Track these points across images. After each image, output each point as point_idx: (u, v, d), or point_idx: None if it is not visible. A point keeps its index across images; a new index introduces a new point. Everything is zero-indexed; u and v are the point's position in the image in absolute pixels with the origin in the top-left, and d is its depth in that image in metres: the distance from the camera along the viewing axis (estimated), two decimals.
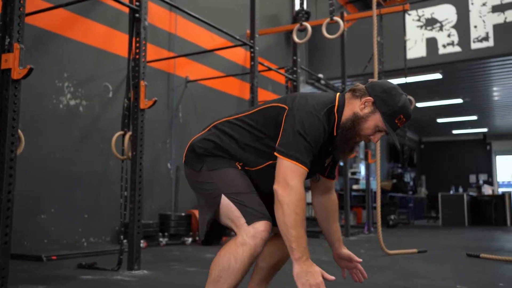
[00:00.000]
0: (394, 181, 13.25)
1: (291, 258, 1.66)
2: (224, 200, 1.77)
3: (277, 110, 1.81)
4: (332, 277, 1.62)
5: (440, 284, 3.19)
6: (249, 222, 1.70)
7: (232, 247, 1.69)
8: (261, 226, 1.69)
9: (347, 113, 1.82)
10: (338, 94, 1.88)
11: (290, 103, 1.79)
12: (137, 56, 3.66)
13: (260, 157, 1.85)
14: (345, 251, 2.03)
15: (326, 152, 1.87)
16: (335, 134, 1.82)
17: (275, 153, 1.73)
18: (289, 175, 1.67)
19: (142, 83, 3.62)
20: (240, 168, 1.85)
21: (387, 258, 4.59)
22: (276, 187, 1.68)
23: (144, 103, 3.59)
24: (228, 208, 1.76)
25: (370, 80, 1.90)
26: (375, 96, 1.79)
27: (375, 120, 1.80)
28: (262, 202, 1.79)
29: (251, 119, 1.87)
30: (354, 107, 1.81)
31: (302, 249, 1.63)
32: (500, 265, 4.17)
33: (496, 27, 7.94)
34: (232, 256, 1.67)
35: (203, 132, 1.96)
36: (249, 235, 1.68)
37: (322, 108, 1.77)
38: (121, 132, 3.67)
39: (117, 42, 5.47)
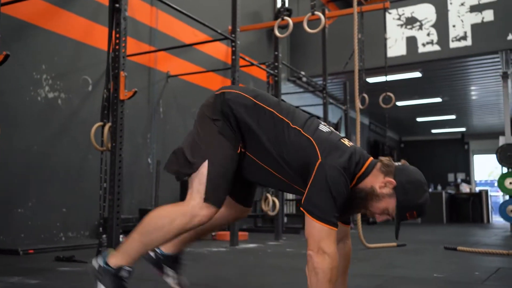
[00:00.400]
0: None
1: None
2: (204, 168, 1.80)
3: (310, 150, 1.75)
4: None
5: (418, 273, 3.23)
6: (205, 200, 1.77)
7: (173, 211, 1.80)
8: (208, 212, 1.78)
9: (366, 182, 1.76)
10: (370, 159, 1.81)
11: (322, 152, 1.72)
12: (117, 47, 3.63)
13: (266, 157, 1.84)
14: None
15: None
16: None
17: (303, 209, 1.69)
18: (325, 241, 1.63)
19: (122, 73, 3.58)
20: (239, 151, 1.87)
21: (367, 251, 4.64)
22: (312, 253, 1.64)
23: (123, 94, 3.56)
24: (201, 177, 1.80)
25: (403, 161, 1.84)
26: (399, 182, 1.72)
27: (388, 204, 1.74)
28: (229, 191, 1.87)
29: (285, 133, 1.82)
30: (376, 181, 1.75)
31: None
32: (476, 257, 4.25)
33: (474, 27, 8.08)
34: (169, 219, 1.78)
35: (245, 92, 1.94)
36: (194, 210, 1.76)
37: (349, 170, 1.72)
38: (100, 123, 3.63)
39: (97, 35, 5.41)
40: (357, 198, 1.76)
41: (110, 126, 3.59)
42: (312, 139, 1.77)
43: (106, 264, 1.83)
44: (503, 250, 4.38)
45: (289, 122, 1.83)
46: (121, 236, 3.55)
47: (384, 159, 1.79)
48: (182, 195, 5.97)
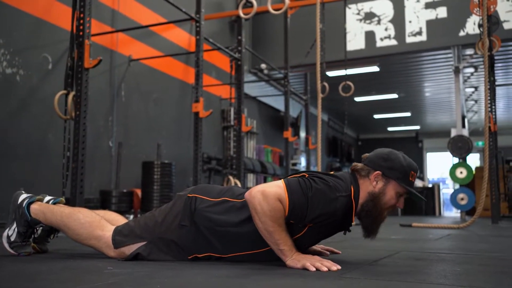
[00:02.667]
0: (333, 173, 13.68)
1: (281, 258, 1.68)
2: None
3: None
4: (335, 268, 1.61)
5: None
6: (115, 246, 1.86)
7: (92, 231, 1.90)
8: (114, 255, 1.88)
9: (363, 195, 1.80)
10: (351, 181, 1.81)
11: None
12: (82, 15, 3.60)
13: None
14: (313, 248, 2.07)
15: (334, 230, 1.89)
16: (353, 221, 1.81)
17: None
18: (270, 188, 1.66)
19: (87, 42, 3.56)
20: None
21: None
22: (254, 193, 1.66)
23: (88, 62, 3.53)
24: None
25: (363, 156, 1.90)
26: (380, 167, 1.79)
27: (393, 189, 1.78)
28: None
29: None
30: (367, 187, 1.80)
31: (289, 247, 1.67)
32: (429, 230, 4.45)
33: (428, 23, 8.43)
34: (87, 234, 1.89)
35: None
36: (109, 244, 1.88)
37: (340, 191, 1.73)
38: (64, 91, 3.59)
39: (57, 13, 5.32)
40: (371, 211, 1.78)
41: (73, 95, 3.56)
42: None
43: (28, 208, 1.97)
44: (453, 225, 4.62)
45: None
46: None
47: (353, 166, 1.87)
48: (143, 179, 5.94)
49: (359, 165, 1.84)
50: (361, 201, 1.78)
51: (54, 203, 2.05)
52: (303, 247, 1.83)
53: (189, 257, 1.83)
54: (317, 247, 2.10)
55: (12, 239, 1.96)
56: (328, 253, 2.07)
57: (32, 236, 2.03)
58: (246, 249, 1.80)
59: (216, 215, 1.80)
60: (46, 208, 1.97)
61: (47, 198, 2.10)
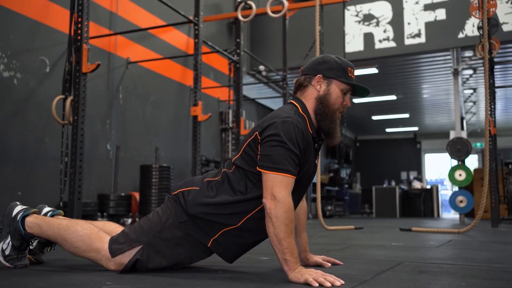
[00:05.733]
0: (331, 174, 13.66)
1: (284, 269, 1.66)
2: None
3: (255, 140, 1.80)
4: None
5: (377, 243, 3.34)
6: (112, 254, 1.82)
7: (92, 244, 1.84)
8: (115, 268, 1.83)
9: (310, 104, 1.88)
10: (291, 100, 1.94)
11: (258, 129, 1.78)
12: (80, 19, 3.56)
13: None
14: (314, 259, 2.05)
15: (315, 151, 1.90)
16: (311, 132, 1.83)
17: (258, 169, 1.73)
18: (276, 187, 1.67)
19: (85, 46, 3.53)
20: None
21: (327, 232, 4.74)
22: (265, 200, 1.68)
23: (86, 67, 3.50)
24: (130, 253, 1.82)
25: (300, 69, 1.98)
26: (319, 71, 1.88)
27: (336, 87, 1.88)
28: None
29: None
30: (312, 94, 1.88)
31: (294, 259, 1.65)
32: (429, 234, 4.43)
33: (427, 25, 8.41)
34: (86, 247, 1.83)
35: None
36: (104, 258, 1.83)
37: (290, 113, 1.79)
38: (62, 96, 3.56)
39: (54, 16, 5.28)
40: (324, 112, 1.86)
41: (71, 99, 3.52)
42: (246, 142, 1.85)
43: (23, 222, 1.92)
44: (454, 229, 4.60)
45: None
46: None
47: (296, 81, 1.95)
48: (141, 183, 5.90)
49: (301, 78, 1.93)
50: (311, 109, 1.87)
51: (52, 215, 2.02)
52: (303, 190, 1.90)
53: (208, 245, 1.81)
54: (318, 258, 2.07)
55: (7, 252, 1.92)
56: (330, 264, 2.04)
57: (28, 248, 1.99)
58: (252, 209, 1.79)
59: (208, 198, 1.81)
60: (43, 221, 1.93)
61: (45, 209, 2.06)
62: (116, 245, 1.81)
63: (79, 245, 1.84)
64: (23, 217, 1.93)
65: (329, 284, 1.53)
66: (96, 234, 1.85)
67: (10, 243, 1.91)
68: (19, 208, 1.97)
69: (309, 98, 1.89)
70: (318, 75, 1.88)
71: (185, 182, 1.93)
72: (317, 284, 1.53)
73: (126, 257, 1.80)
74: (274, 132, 1.71)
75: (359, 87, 1.92)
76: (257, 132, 1.78)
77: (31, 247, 2.02)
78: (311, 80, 1.89)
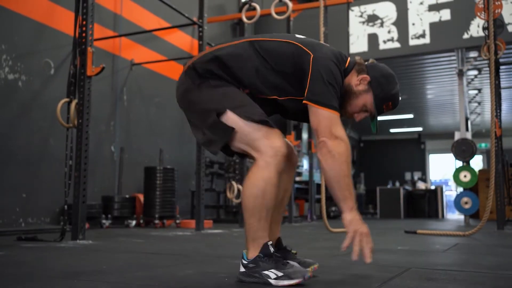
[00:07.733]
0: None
1: (341, 207, 1.65)
2: (231, 116, 1.71)
3: (299, 52, 1.76)
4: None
5: (383, 247, 3.32)
6: (266, 136, 1.67)
7: (256, 173, 1.67)
8: (278, 142, 1.68)
9: (345, 81, 1.82)
10: (349, 59, 1.88)
11: (311, 49, 1.76)
12: (84, 22, 3.56)
13: (265, 87, 1.80)
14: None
15: None
16: None
17: (306, 102, 1.69)
18: (335, 127, 1.67)
19: (90, 49, 3.52)
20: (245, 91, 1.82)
21: (332, 235, 4.72)
22: (325, 139, 1.66)
23: (91, 70, 3.50)
24: (238, 125, 1.70)
25: (371, 60, 1.92)
26: (373, 77, 1.82)
27: (366, 99, 1.82)
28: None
29: (263, 47, 1.79)
30: (352, 79, 1.83)
31: (354, 198, 1.67)
32: (434, 237, 4.41)
33: (432, 25, 8.37)
34: (261, 181, 1.65)
35: (205, 52, 1.85)
36: (269, 155, 1.66)
37: (340, 61, 1.78)
38: (66, 99, 3.55)
39: (58, 18, 5.29)
40: (343, 97, 1.81)
41: (76, 103, 3.52)
42: (295, 42, 1.80)
43: (249, 260, 1.69)
44: (460, 232, 4.57)
45: (261, 39, 1.83)
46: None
47: (357, 58, 1.89)
48: (146, 184, 5.89)
49: (362, 62, 1.88)
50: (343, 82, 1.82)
51: None
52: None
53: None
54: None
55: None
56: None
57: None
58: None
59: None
60: (248, 241, 1.72)
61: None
62: (210, 142, 1.78)
63: (262, 191, 1.67)
64: (247, 260, 1.70)
65: (368, 258, 1.64)
66: (252, 178, 1.70)
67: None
68: (240, 275, 1.72)
69: (349, 78, 1.83)
70: (368, 77, 1.81)
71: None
72: (357, 248, 1.64)
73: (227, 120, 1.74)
74: (326, 70, 1.72)
75: (375, 121, 1.87)
76: (311, 54, 1.75)
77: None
78: (361, 73, 1.82)
